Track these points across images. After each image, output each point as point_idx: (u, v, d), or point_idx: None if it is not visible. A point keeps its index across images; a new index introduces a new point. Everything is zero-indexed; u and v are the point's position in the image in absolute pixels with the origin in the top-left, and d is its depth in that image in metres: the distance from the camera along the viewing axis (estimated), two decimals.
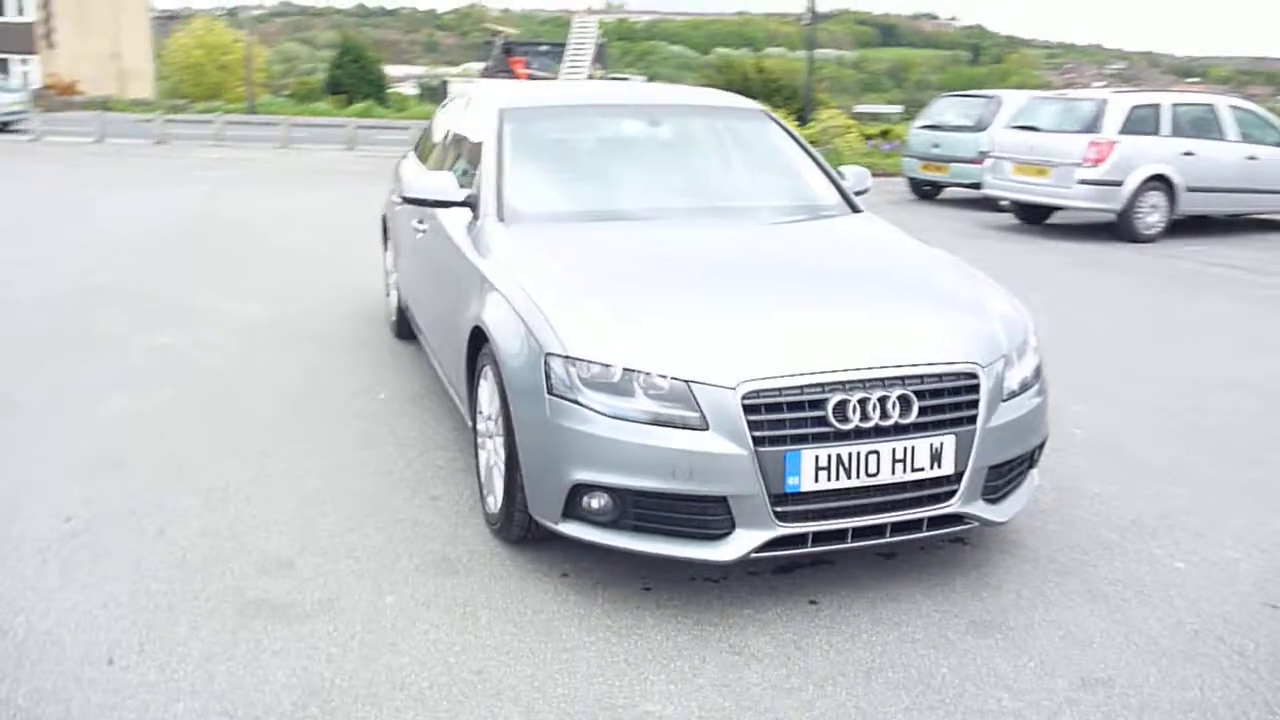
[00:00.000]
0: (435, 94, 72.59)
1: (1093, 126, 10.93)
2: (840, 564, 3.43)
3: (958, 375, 3.17)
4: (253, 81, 37.69)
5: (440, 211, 4.43)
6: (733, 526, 3.02)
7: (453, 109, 5.52)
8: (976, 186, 13.02)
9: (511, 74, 17.55)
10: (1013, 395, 3.31)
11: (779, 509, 2.99)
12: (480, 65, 30.35)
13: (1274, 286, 8.90)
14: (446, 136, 5.26)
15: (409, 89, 76.63)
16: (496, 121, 4.48)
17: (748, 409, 2.95)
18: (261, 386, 5.29)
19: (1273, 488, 4.25)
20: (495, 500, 3.58)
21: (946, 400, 3.14)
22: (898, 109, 24.49)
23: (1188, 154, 11.02)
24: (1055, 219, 12.45)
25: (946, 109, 14.75)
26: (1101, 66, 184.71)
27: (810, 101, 20.24)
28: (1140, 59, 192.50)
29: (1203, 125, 11.30)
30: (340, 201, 13.57)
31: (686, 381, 2.99)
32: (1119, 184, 10.80)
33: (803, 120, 19.30)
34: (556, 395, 3.10)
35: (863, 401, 3.02)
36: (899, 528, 3.15)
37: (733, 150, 4.81)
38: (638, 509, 3.06)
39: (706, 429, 2.96)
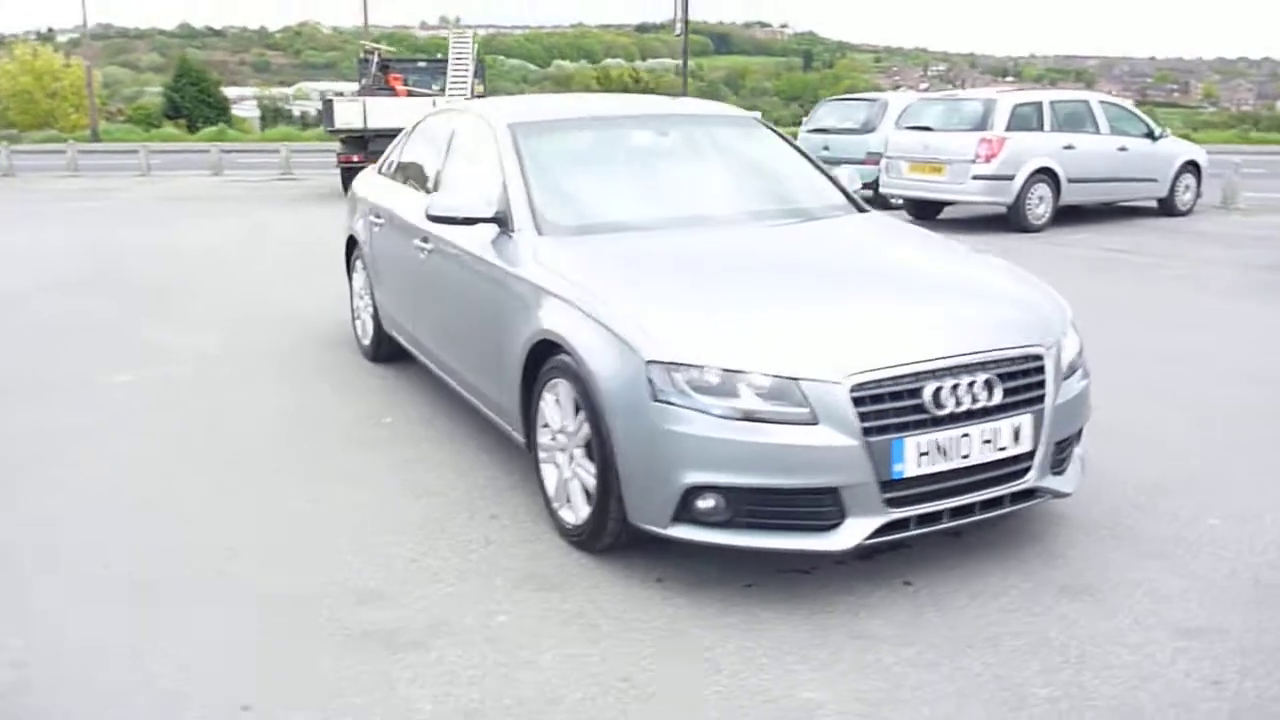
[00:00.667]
0: (280, 116, 70.42)
1: (982, 124, 11.56)
2: (918, 546, 3.58)
3: (1028, 358, 3.37)
4: (95, 108, 35.73)
5: (457, 229, 4.40)
6: (843, 516, 3.13)
7: (436, 128, 5.47)
8: (869, 186, 13.51)
9: (391, 91, 17.22)
10: (1067, 375, 3.54)
11: (886, 495, 3.13)
12: (342, 86, 29.72)
13: (1159, 266, 9.62)
14: (438, 154, 5.20)
15: (246, 110, 73.72)
16: (509, 137, 4.49)
17: (856, 401, 3.07)
18: (250, 424, 5.09)
19: (1253, 447, 4.64)
20: (575, 513, 3.59)
21: (1021, 382, 3.34)
22: (755, 115, 25.20)
23: (1068, 147, 11.77)
24: (946, 213, 13.07)
25: (832, 112, 15.27)
26: (925, 69, 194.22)
27: None
28: (962, 60, 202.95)
29: (1078, 120, 12.08)
30: (240, 227, 13.11)
31: (794, 379, 3.08)
32: (1010, 178, 11.44)
33: None
34: (663, 401, 3.15)
35: (954, 387, 3.18)
36: (985, 505, 3.33)
37: (738, 156, 4.94)
38: (750, 506, 3.14)
39: (816, 423, 3.06)
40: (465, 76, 17.06)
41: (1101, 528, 3.77)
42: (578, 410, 3.52)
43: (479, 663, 2.93)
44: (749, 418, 3.08)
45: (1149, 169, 12.62)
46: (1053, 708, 2.68)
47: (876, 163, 13.21)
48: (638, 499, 3.27)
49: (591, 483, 3.47)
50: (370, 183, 6.10)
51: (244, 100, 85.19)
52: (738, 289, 3.57)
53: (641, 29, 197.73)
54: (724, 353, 3.16)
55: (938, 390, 3.16)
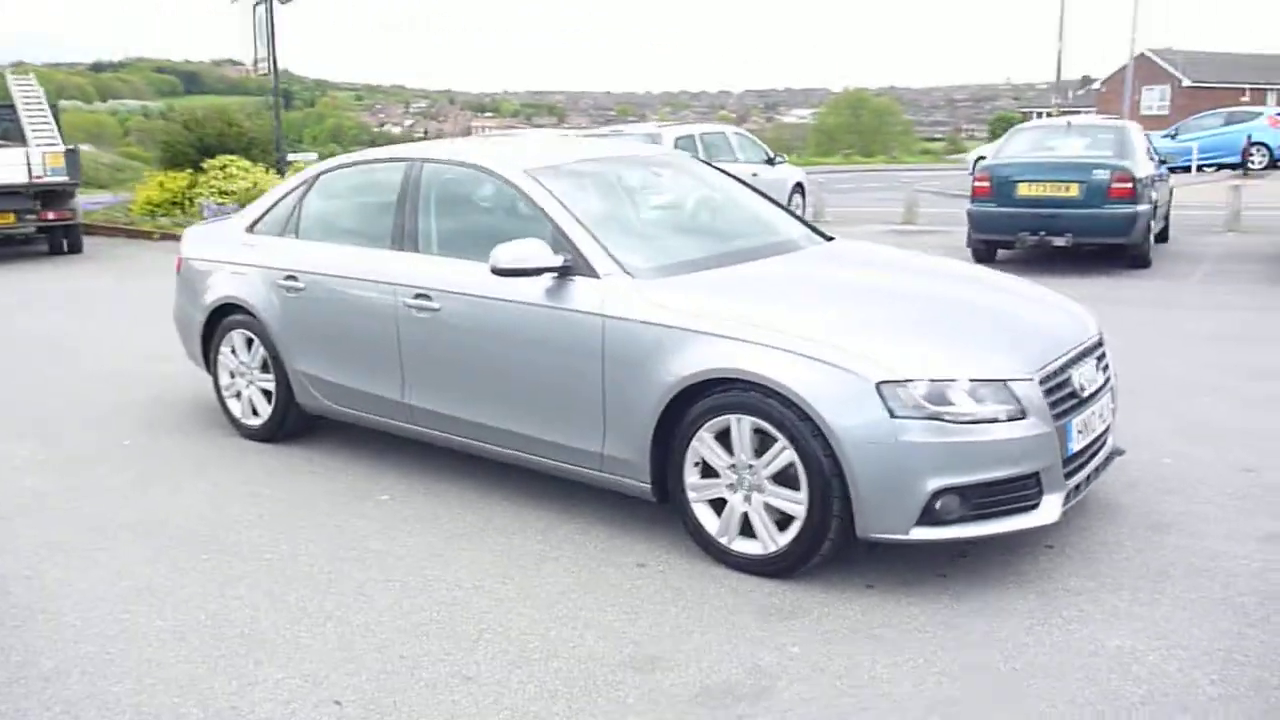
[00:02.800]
0: None
1: None
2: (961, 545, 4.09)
3: (1099, 343, 4.10)
4: None
5: (495, 283, 4.22)
6: (1041, 494, 3.61)
7: (371, 179, 5.06)
8: None
9: None
10: None
11: (1065, 470, 3.66)
12: None
13: None
14: (390, 207, 4.81)
15: None
16: (536, 184, 4.39)
17: (1045, 392, 3.58)
18: (229, 534, 4.37)
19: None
20: (765, 543, 3.69)
21: (1105, 362, 4.05)
22: (313, 155, 24.58)
23: None
24: None
25: None
26: (407, 105, 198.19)
27: (284, 152, 19.56)
28: (441, 97, 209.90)
29: (720, 148, 13.53)
30: None
31: (1002, 380, 3.51)
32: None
33: (281, 171, 18.61)
34: (901, 417, 3.41)
35: (1083, 373, 3.81)
36: (1095, 471, 3.99)
37: (715, 192, 5.18)
38: (977, 499, 3.50)
39: (1024, 417, 3.51)
40: (45, 121, 14.80)
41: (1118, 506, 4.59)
42: (760, 442, 3.64)
43: (818, 702, 3.00)
44: (974, 420, 3.45)
45: (773, 190, 14.41)
46: None
47: None
48: (873, 512, 3.48)
49: (793, 509, 3.60)
50: (252, 243, 5.41)
51: None
52: (872, 311, 3.91)
53: (96, 68, 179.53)
54: (931, 366, 3.50)
55: (1080, 375, 3.77)
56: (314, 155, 25.66)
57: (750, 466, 3.69)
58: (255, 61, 19.87)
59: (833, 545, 3.58)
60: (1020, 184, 10.60)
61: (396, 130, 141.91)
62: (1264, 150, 25.05)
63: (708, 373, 3.70)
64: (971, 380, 3.49)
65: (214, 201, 16.87)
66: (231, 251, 5.50)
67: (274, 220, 5.42)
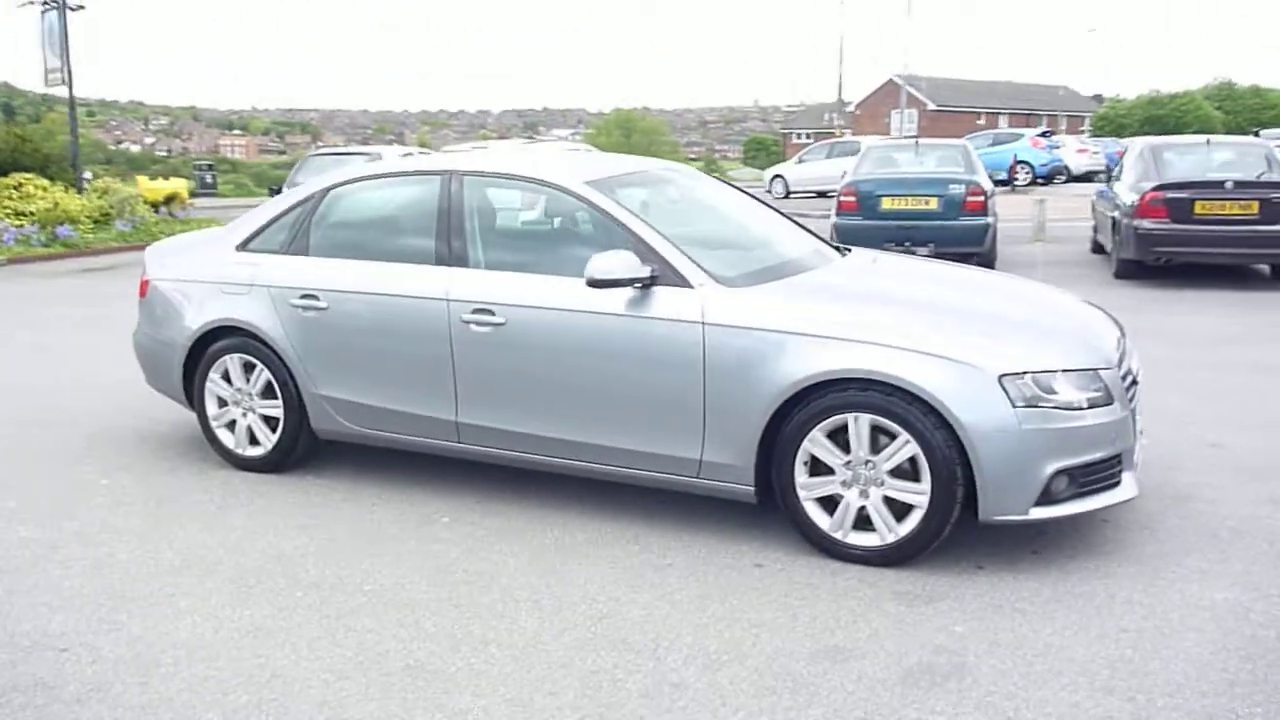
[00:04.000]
0: None
1: None
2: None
3: (1124, 333, 4.57)
4: None
5: (571, 294, 4.25)
6: (1122, 473, 3.98)
7: (398, 195, 4.88)
8: None
9: None
10: None
11: (1135, 451, 4.06)
12: None
13: None
14: (429, 222, 4.68)
15: None
16: (602, 196, 4.43)
17: (1120, 379, 3.97)
18: (304, 569, 4.12)
19: None
20: (883, 535, 3.89)
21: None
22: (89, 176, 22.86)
23: None
24: None
25: (318, 170, 14.89)
26: (146, 122, 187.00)
27: (81, 170, 17.91)
28: (184, 113, 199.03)
29: None
30: None
31: (1093, 369, 3.87)
32: None
33: (80, 189, 17.14)
34: (1020, 406, 3.70)
35: (1132, 361, 4.24)
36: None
37: (735, 205, 5.32)
38: (1081, 478, 3.84)
39: (1111, 403, 3.88)
40: None
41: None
42: (876, 439, 3.84)
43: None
44: (1077, 406, 3.78)
45: None
46: None
47: None
48: (997, 496, 3.74)
49: (915, 499, 3.81)
50: (252, 262, 5.08)
51: None
52: (955, 313, 4.17)
53: None
54: (1034, 359, 3.81)
55: (1131, 363, 4.19)
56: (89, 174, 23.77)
57: (868, 462, 3.87)
58: (46, 73, 18.23)
59: (950, 528, 3.82)
60: (884, 198, 11.32)
61: (135, 149, 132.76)
62: (1028, 168, 27.77)
63: (832, 374, 3.85)
64: (1067, 370, 3.82)
65: (10, 224, 15.38)
66: (221, 271, 5.15)
67: (272, 238, 5.12)
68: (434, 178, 4.80)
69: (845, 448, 3.91)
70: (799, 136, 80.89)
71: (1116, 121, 61.10)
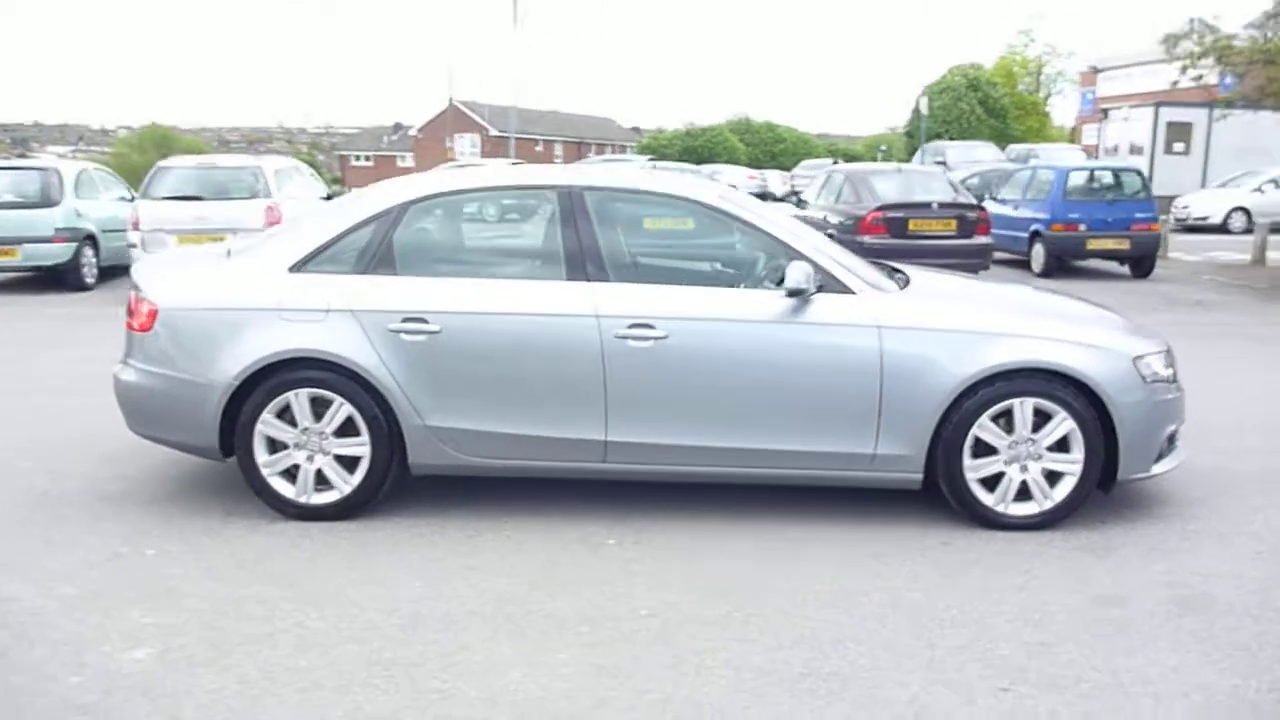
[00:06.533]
0: None
1: (259, 192, 11.51)
2: None
3: None
4: None
5: (730, 305, 4.46)
6: (1177, 441, 4.90)
7: (521, 204, 4.58)
8: (54, 269, 12.01)
9: None
10: None
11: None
12: None
13: None
14: (547, 235, 4.52)
15: None
16: (747, 212, 4.63)
17: None
18: (510, 619, 3.81)
19: None
20: (1040, 502, 4.50)
21: None
22: None
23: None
24: None
25: None
26: None
27: None
28: None
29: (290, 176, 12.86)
30: None
31: (1169, 351, 4.77)
32: None
33: None
34: (1150, 382, 4.50)
35: None
36: None
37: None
38: (1172, 440, 4.72)
39: (1176, 381, 4.80)
40: None
41: None
42: (1039, 419, 4.45)
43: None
44: (1172, 381, 4.66)
45: None
46: None
47: (65, 240, 11.91)
48: (1132, 459, 4.51)
49: (1069, 468, 4.47)
50: (322, 284, 4.50)
51: None
52: (1056, 313, 4.88)
53: None
54: (1139, 345, 4.63)
55: None
56: None
57: (1031, 440, 4.46)
58: None
59: (1092, 490, 4.53)
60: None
61: None
62: None
63: (1006, 365, 4.39)
64: (1159, 353, 4.68)
65: None
66: (278, 295, 4.51)
67: (339, 257, 4.58)
68: (546, 192, 4.64)
69: (1007, 430, 4.46)
70: (358, 159, 79.68)
71: (659, 151, 67.11)
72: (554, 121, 75.97)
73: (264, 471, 4.57)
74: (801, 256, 4.48)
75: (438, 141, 72.28)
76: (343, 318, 4.48)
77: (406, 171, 56.37)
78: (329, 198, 14.17)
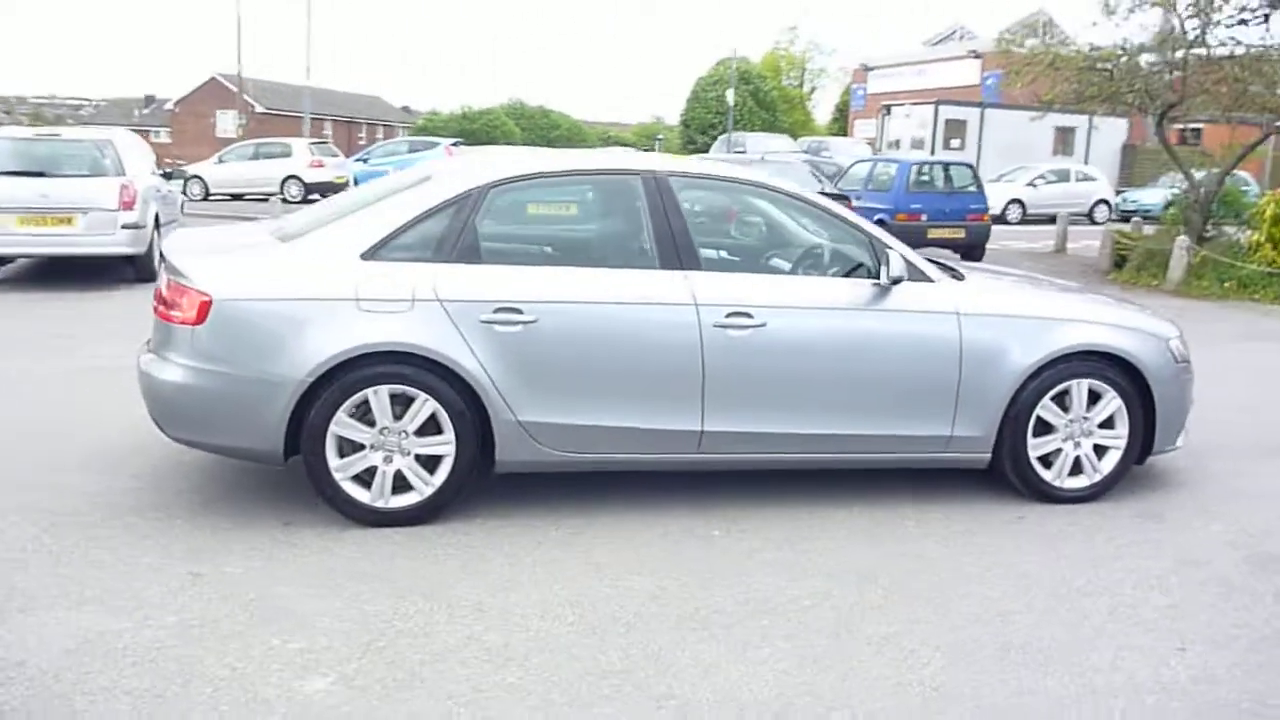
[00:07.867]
0: None
1: (110, 169, 10.43)
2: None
3: None
4: None
5: (822, 292, 4.55)
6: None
7: (605, 190, 4.43)
8: None
9: None
10: None
11: None
12: None
13: None
14: (639, 227, 4.40)
15: None
16: (829, 201, 4.69)
17: None
18: (672, 625, 3.71)
19: None
20: (1084, 479, 4.84)
21: None
22: None
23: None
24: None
25: None
26: None
27: None
28: None
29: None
30: None
31: (1182, 334, 5.23)
32: (144, 226, 10.68)
33: None
34: (1179, 362, 4.93)
35: None
36: None
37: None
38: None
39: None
40: None
41: None
42: (1092, 398, 4.78)
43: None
44: (1190, 362, 5.11)
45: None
46: None
47: None
48: (1166, 433, 4.92)
49: (1114, 443, 4.83)
50: (410, 272, 4.18)
51: None
52: (1091, 300, 5.25)
53: None
54: (1166, 329, 5.05)
55: None
56: None
57: (1085, 418, 4.78)
58: None
59: (1132, 463, 4.91)
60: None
61: None
62: None
63: (1069, 349, 4.68)
64: (1180, 337, 5.12)
65: None
66: (355, 285, 4.15)
67: (416, 243, 4.27)
68: (629, 178, 4.51)
69: (1063, 409, 4.76)
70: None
71: (435, 132, 65.51)
72: (321, 99, 72.56)
73: (336, 476, 4.21)
74: (889, 246, 4.59)
75: (198, 117, 67.70)
76: (429, 308, 4.19)
77: (165, 147, 52.44)
78: (168, 176, 13.09)
